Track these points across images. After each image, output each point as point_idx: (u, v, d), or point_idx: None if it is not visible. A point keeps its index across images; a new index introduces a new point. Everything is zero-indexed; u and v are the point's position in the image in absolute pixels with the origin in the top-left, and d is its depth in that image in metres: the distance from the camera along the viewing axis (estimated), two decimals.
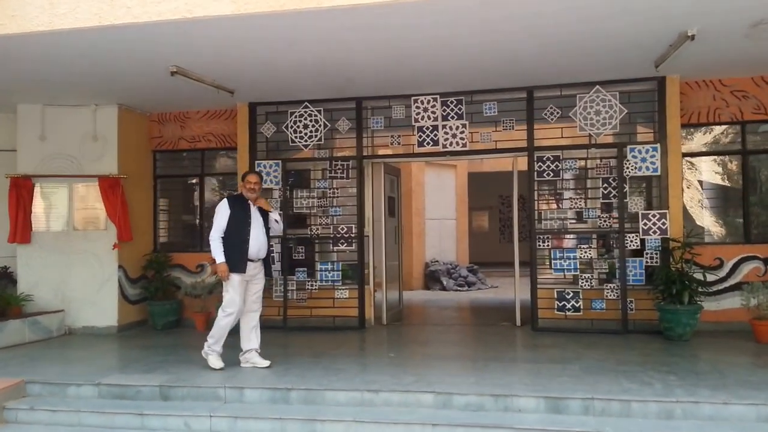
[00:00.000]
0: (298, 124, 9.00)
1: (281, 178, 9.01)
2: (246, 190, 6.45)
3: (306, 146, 9.03)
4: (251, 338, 6.56)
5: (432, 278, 14.73)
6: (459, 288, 14.51)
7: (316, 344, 7.66)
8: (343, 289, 8.80)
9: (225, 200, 6.45)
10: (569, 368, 6.17)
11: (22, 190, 8.69)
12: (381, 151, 9.35)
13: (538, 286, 8.54)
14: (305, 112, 8.99)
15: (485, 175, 17.84)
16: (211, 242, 6.29)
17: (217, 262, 6.25)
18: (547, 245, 8.62)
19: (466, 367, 6.44)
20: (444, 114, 8.69)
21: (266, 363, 6.45)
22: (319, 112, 8.95)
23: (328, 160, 9.08)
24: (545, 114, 8.54)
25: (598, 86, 8.31)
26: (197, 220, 10.05)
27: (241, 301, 6.35)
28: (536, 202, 8.65)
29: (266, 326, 8.74)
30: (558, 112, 8.50)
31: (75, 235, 8.94)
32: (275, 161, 9.07)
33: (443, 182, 16.10)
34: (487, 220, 21.75)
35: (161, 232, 10.09)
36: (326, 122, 8.95)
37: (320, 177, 9.12)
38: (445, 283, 14.50)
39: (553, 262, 8.58)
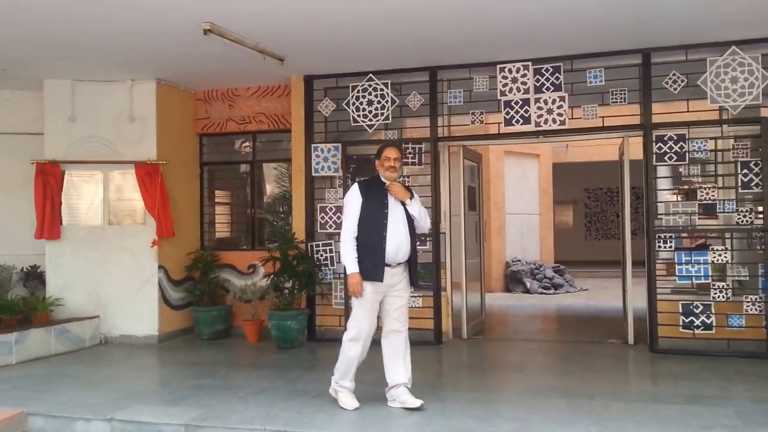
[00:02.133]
0: (361, 100, 7.61)
1: (341, 165, 7.66)
2: (384, 169, 4.80)
3: (371, 127, 7.63)
4: (397, 369, 4.85)
5: (513, 279, 13.12)
6: (544, 291, 12.84)
7: (380, 364, 6.20)
8: (415, 296, 7.32)
9: (355, 186, 4.88)
10: (720, 413, 4.59)
11: (49, 177, 7.65)
12: (459, 132, 7.84)
13: (658, 296, 6.85)
14: (369, 85, 7.58)
15: (569, 165, 16.17)
16: (341, 245, 4.82)
17: (348, 272, 4.72)
18: (669, 246, 6.92)
19: (578, 407, 4.87)
20: (537, 85, 7.11)
21: (417, 402, 4.75)
22: (385, 85, 7.53)
23: (397, 144, 7.64)
24: (666, 82, 6.85)
25: (734, 47, 6.57)
26: (249, 213, 8.82)
27: (370, 321, 4.77)
28: (655, 192, 6.95)
29: (324, 338, 7.49)
30: (682, 80, 6.80)
31: (110, 230, 7.86)
32: (334, 145, 7.72)
33: (524, 173, 14.45)
34: (572, 216, 19.86)
35: (208, 227, 8.93)
36: (394, 98, 7.52)
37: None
38: (528, 285, 12.86)
39: (677, 267, 6.89)
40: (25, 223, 7.85)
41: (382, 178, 4.82)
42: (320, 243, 7.66)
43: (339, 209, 7.61)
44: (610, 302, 10.72)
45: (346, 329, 4.87)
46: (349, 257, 4.70)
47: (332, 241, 7.61)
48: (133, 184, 7.78)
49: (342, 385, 4.89)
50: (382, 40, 6.46)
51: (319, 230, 7.74)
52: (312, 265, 7.40)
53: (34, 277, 8.07)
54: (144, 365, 6.74)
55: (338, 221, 7.61)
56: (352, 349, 4.79)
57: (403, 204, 4.79)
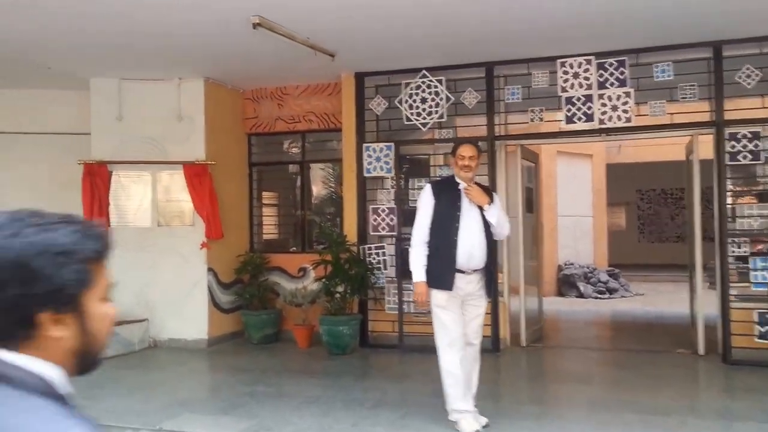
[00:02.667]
0: (415, 98, 7.34)
1: (394, 165, 7.40)
2: (459, 168, 4.45)
3: (424, 125, 7.36)
4: (467, 385, 4.47)
5: (566, 283, 12.66)
6: (599, 295, 12.35)
7: (438, 374, 5.90)
8: None
9: (428, 187, 4.58)
10: None
11: (96, 178, 7.59)
12: (517, 131, 7.51)
13: (731, 304, 6.41)
14: (423, 82, 7.31)
15: (622, 166, 15.55)
16: (410, 250, 4.53)
17: (414, 280, 4.44)
18: (744, 251, 6.47)
19: (653, 425, 4.51)
20: (601, 80, 6.74)
21: (482, 422, 4.38)
22: (439, 82, 7.25)
23: (451, 141, 7.35)
24: (739, 77, 6.41)
25: None
26: (299, 215, 8.65)
27: (456, 325, 4.34)
28: (727, 194, 6.52)
29: (377, 344, 7.25)
30: (757, 75, 6.36)
31: (159, 232, 7.77)
32: (387, 144, 7.46)
33: (577, 174, 13.94)
34: (624, 218, 19.21)
35: (257, 228, 8.78)
36: (449, 95, 7.23)
37: (441, 163, 7.43)
38: (582, 289, 12.39)
39: (752, 273, 6.44)
40: None
41: (458, 177, 4.49)
42: (372, 246, 7.42)
43: (392, 211, 7.38)
44: (671, 308, 10.21)
45: (436, 345, 4.45)
46: (416, 264, 4.42)
47: (384, 244, 7.37)
48: (182, 184, 7.67)
49: (458, 409, 4.36)
50: (436, 35, 6.19)
51: (371, 232, 7.49)
52: (364, 268, 7.16)
53: None
54: (193, 370, 6.61)
55: (391, 223, 7.37)
56: (447, 360, 4.36)
57: (481, 208, 4.44)
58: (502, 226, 4.52)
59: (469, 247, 4.34)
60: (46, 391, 0.95)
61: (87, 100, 7.80)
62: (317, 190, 9.06)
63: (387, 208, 7.39)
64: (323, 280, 7.18)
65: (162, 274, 7.69)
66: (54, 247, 0.96)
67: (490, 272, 4.52)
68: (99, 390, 5.60)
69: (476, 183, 4.55)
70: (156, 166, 7.69)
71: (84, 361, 1.05)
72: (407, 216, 7.35)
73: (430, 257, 4.40)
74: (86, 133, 7.78)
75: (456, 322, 4.36)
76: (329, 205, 8.97)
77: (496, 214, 4.44)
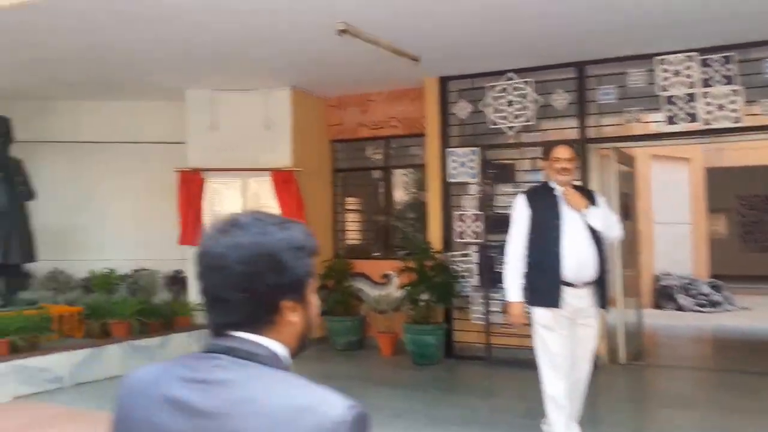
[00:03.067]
0: (501, 101, 7.13)
1: (479, 170, 7.21)
2: (554, 172, 4.04)
3: (511, 129, 7.13)
4: (572, 413, 4.13)
5: (664, 295, 11.97)
6: (700, 309, 11.59)
7: (530, 391, 5.61)
8: None
9: (521, 197, 4.18)
10: None
11: (191, 185, 7.82)
12: (611, 133, 7.14)
13: None
14: (509, 85, 7.09)
15: (722, 170, 14.60)
16: (504, 267, 4.17)
17: (508, 299, 4.10)
18: None
19: None
20: (705, 78, 6.29)
21: None
22: (526, 83, 7.00)
23: (540, 145, 7.09)
24: None
25: None
26: (382, 221, 8.59)
27: (562, 344, 3.93)
28: None
29: (463, 356, 7.05)
30: None
31: None
32: (471, 149, 7.29)
33: (673, 179, 13.19)
34: (725, 225, 18.06)
35: (341, 234, 8.79)
36: (537, 97, 6.97)
37: (529, 168, 7.16)
38: (681, 301, 11.67)
39: None
40: (170, 229, 8.08)
41: (554, 181, 4.08)
42: (457, 253, 7.24)
43: (478, 217, 7.18)
44: None
45: (539, 368, 4.11)
46: (510, 283, 4.06)
47: (470, 252, 7.18)
48: (270, 191, 7.78)
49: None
50: (522, 35, 6.00)
51: (456, 239, 7.32)
52: (449, 276, 7.00)
53: (177, 282, 8.30)
54: None
55: (477, 230, 7.17)
56: (552, 386, 3.97)
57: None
58: (610, 229, 4.10)
59: (576, 258, 3.90)
60: (282, 367, 1.08)
61: (181, 111, 8.08)
62: (400, 195, 8.98)
63: (472, 214, 7.21)
64: (408, 287, 7.07)
65: None
66: (294, 242, 1.10)
67: (603, 283, 4.07)
68: None
69: (573, 185, 4.20)
70: (246, 173, 7.85)
71: (302, 344, 1.16)
72: (493, 223, 7.15)
73: (531, 273, 4.01)
74: (180, 143, 8.04)
75: (562, 345, 3.93)
76: (412, 211, 8.86)
77: (600, 217, 4.01)
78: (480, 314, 7.04)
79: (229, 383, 1.01)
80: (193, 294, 7.86)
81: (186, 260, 8.02)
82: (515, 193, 6.92)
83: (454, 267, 7.19)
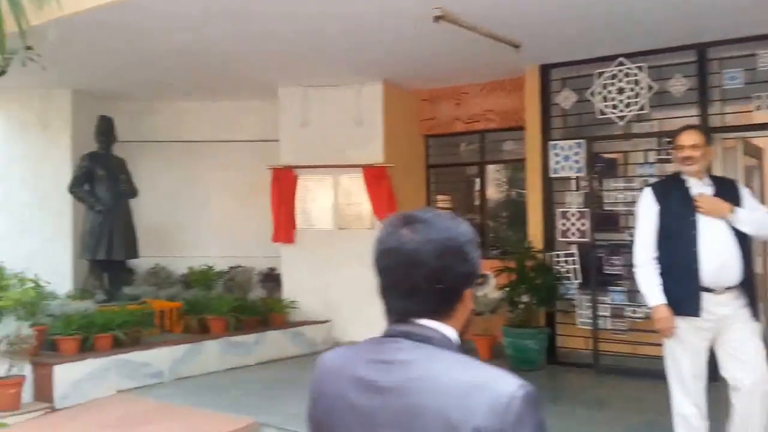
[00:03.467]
0: (610, 88, 6.62)
1: (585, 164, 6.74)
2: (680, 161, 3.59)
3: (621, 119, 6.60)
4: None
5: None
6: None
7: (647, 402, 5.10)
8: None
9: (647, 191, 3.72)
10: None
11: (283, 182, 7.80)
12: (737, 122, 6.46)
13: None
14: (620, 71, 6.57)
15: None
16: (635, 271, 3.72)
17: (650, 305, 3.61)
18: None
19: None
20: None
21: None
22: (639, 69, 6.46)
23: (654, 136, 6.55)
24: None
25: None
26: (477, 218, 8.26)
27: (693, 362, 3.49)
28: None
29: (568, 362, 6.61)
30: None
31: (339, 234, 7.80)
32: (576, 141, 6.82)
33: None
34: None
35: None
36: (651, 83, 6.42)
37: (642, 161, 6.63)
38: None
39: None
40: (263, 226, 8.11)
41: (682, 175, 3.61)
42: (561, 253, 6.80)
43: (583, 214, 6.72)
44: None
45: (669, 389, 3.66)
46: (647, 285, 3.57)
47: (574, 251, 6.72)
48: (361, 187, 7.64)
49: None
50: (636, 15, 5.48)
51: (559, 238, 6.88)
52: (552, 278, 6.58)
53: (271, 279, 8.31)
54: None
55: (582, 228, 6.71)
56: (680, 403, 3.54)
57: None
58: (763, 228, 3.54)
59: (716, 259, 3.41)
60: (454, 349, 1.17)
61: (274, 109, 8.08)
62: (496, 192, 8.60)
63: (577, 211, 6.74)
64: (506, 288, 6.72)
65: (343, 277, 7.70)
66: (470, 235, 1.21)
67: (751, 287, 3.53)
68: (283, 391, 5.63)
69: (713, 177, 3.66)
70: (337, 170, 7.74)
71: (467, 327, 1.24)
72: (601, 220, 6.67)
73: (663, 277, 3.54)
74: (273, 140, 8.05)
75: (693, 363, 3.47)
76: (508, 209, 8.48)
77: (749, 220, 3.45)
78: (586, 318, 6.57)
79: (409, 363, 1.12)
80: (287, 292, 7.85)
81: (279, 258, 8.03)
82: (628, 188, 6.54)
83: (557, 267, 6.76)
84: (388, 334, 1.19)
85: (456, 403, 1.05)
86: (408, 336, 1.16)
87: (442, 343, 1.15)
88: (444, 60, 6.88)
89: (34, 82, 7.62)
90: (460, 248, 1.17)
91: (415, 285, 1.15)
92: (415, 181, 8.24)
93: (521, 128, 7.33)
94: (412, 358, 1.12)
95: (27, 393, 5.09)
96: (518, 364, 6.52)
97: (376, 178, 7.49)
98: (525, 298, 6.61)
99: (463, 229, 1.19)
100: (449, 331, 1.18)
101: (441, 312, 1.17)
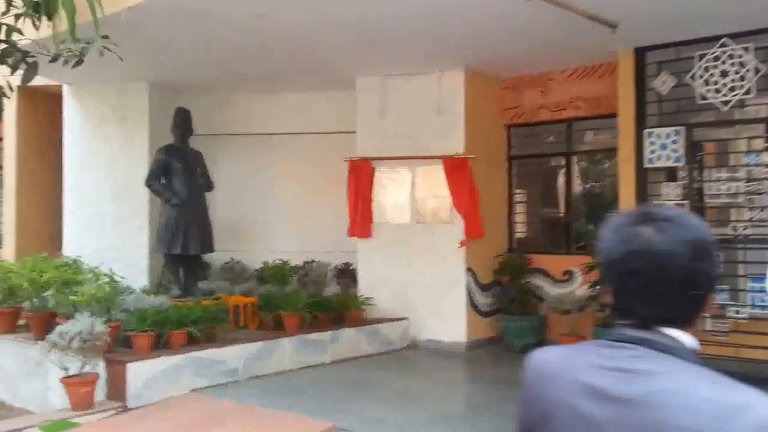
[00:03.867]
0: (712, 71, 6.05)
1: (684, 153, 6.19)
2: None
3: (726, 103, 6.02)
4: None
5: None
6: None
7: None
8: None
9: None
10: None
11: (361, 175, 7.58)
12: None
13: None
14: (723, 53, 5.99)
15: None
16: None
17: None
18: None
19: None
20: None
21: None
22: (745, 50, 5.87)
23: (761, 122, 5.95)
24: None
25: None
26: (561, 212, 7.80)
27: None
28: None
29: None
30: None
31: (417, 229, 7.52)
32: (674, 128, 6.27)
33: None
34: None
35: (516, 227, 8.11)
36: (759, 65, 5.81)
37: (746, 148, 6.04)
38: None
39: None
40: (339, 220, 7.92)
41: None
42: None
43: (683, 208, 6.17)
44: None
45: None
46: None
47: None
48: (440, 180, 7.33)
49: None
50: None
51: None
52: None
53: (347, 274, 8.13)
54: (453, 379, 6.18)
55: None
56: None
57: None
58: None
59: None
60: (697, 362, 1.04)
61: (351, 100, 7.87)
62: (583, 184, 8.10)
63: (676, 204, 6.20)
64: (596, 285, 6.28)
65: (420, 273, 7.43)
66: (710, 234, 1.09)
67: None
68: (359, 392, 5.41)
69: None
70: (415, 162, 7.46)
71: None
72: (703, 214, 6.11)
73: None
74: (349, 132, 7.84)
75: None
76: (598, 202, 7.97)
77: None
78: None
79: (651, 374, 1.02)
80: (362, 288, 7.64)
81: (354, 252, 7.82)
82: (731, 179, 5.96)
83: None
84: (620, 339, 1.08)
85: (713, 424, 0.94)
86: (646, 344, 1.05)
87: (685, 354, 1.05)
88: (530, 44, 6.50)
89: (111, 75, 7.68)
90: (710, 249, 1.07)
91: (668, 290, 1.05)
92: (496, 172, 7.85)
93: (611, 116, 6.86)
94: (654, 368, 1.02)
95: (100, 391, 5.05)
96: None
97: (456, 169, 7.16)
98: None
99: (706, 227, 1.09)
100: (691, 341, 1.08)
101: (687, 319, 1.08)
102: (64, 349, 4.74)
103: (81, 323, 4.82)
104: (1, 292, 6.57)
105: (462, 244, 7.18)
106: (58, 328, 4.82)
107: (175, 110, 7.28)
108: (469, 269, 7.26)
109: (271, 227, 8.70)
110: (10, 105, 8.89)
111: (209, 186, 7.31)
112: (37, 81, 8.59)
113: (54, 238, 8.73)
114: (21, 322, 6.52)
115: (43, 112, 9.18)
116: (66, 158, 8.40)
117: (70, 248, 8.18)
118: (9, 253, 8.67)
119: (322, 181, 8.44)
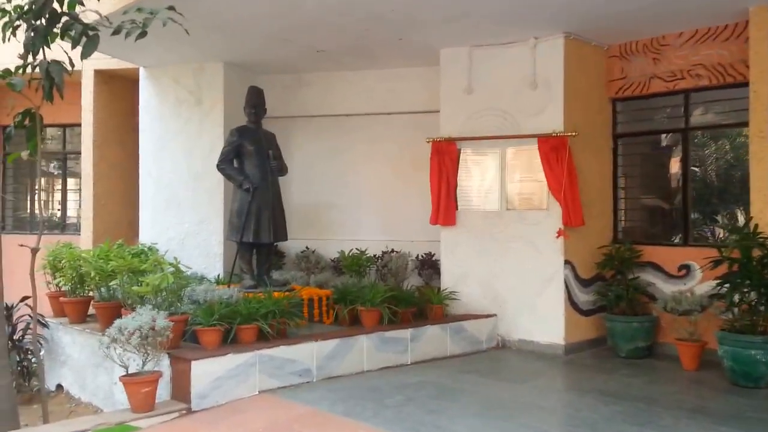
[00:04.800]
0: None
1: None
2: None
3: None
4: None
5: None
6: None
7: None
8: None
9: None
10: None
11: (445, 157, 6.89)
12: None
13: None
14: None
15: None
16: None
17: None
18: None
19: None
20: None
21: None
22: None
23: None
24: None
25: None
26: (678, 198, 6.83)
27: None
28: None
29: None
30: None
31: (508, 216, 6.76)
32: None
33: None
34: None
35: (623, 214, 7.20)
36: None
37: None
38: None
39: None
40: (421, 207, 7.29)
41: None
42: None
43: None
44: None
45: None
46: None
47: None
48: (535, 162, 6.54)
49: None
50: None
51: None
52: None
53: (429, 265, 7.49)
54: (552, 388, 5.40)
55: None
56: None
57: None
58: None
59: None
60: None
61: (434, 76, 7.23)
62: (703, 165, 7.08)
63: None
64: (722, 283, 5.36)
65: (511, 265, 6.68)
66: None
67: None
68: (446, 401, 4.75)
69: None
70: (506, 142, 6.71)
71: None
72: None
73: None
74: (433, 111, 7.20)
75: None
76: (719, 185, 6.96)
77: None
78: None
79: None
80: (446, 281, 6.97)
81: (437, 242, 7.15)
82: None
83: None
84: None
85: None
86: None
87: None
88: (641, 3, 5.59)
89: (186, 55, 7.40)
90: None
91: None
92: (600, 154, 6.96)
93: (739, 85, 5.89)
94: None
95: (164, 390, 4.64)
96: (737, 380, 5.21)
97: (554, 150, 6.35)
98: (751, 297, 5.22)
99: None
100: None
101: None
102: (124, 344, 4.35)
103: (142, 317, 4.42)
104: (72, 280, 6.37)
105: (559, 233, 6.37)
106: (117, 322, 4.43)
107: (248, 89, 6.83)
108: (567, 262, 6.44)
109: (349, 214, 8.17)
110: (87, 90, 8.79)
111: (282, 170, 6.83)
112: (114, 64, 8.51)
113: (133, 225, 8.58)
114: (92, 311, 6.30)
115: (120, 98, 9.04)
116: (142, 142, 8.21)
117: (146, 236, 7.99)
118: (87, 241, 8.56)
119: (405, 164, 7.83)
